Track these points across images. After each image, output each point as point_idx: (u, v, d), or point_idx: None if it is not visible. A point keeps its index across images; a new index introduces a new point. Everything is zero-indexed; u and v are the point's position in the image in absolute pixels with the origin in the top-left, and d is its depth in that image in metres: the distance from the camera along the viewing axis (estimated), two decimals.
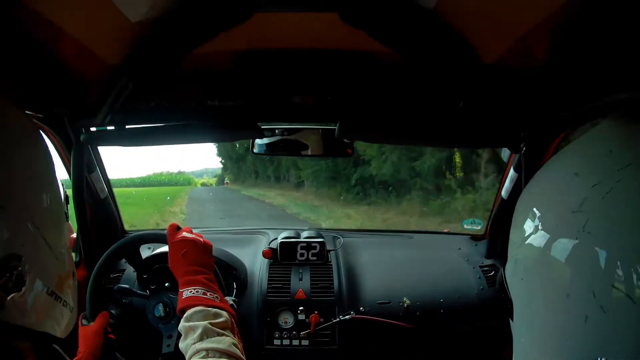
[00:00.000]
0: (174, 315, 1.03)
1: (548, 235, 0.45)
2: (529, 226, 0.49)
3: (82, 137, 0.91)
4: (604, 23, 0.48)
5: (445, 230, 1.68)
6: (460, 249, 1.39)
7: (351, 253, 1.37)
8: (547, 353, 0.46)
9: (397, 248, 1.44)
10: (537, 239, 0.47)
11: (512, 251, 0.53)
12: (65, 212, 0.56)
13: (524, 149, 0.86)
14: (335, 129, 0.85)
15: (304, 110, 0.85)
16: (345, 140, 1.03)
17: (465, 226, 1.53)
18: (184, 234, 0.82)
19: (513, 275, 0.53)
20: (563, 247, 0.43)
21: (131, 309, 1.05)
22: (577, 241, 0.41)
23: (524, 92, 0.70)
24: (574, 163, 0.48)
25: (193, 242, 0.80)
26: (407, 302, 1.19)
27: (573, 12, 0.48)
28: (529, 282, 0.49)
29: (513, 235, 0.53)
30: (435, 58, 0.66)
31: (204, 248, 0.81)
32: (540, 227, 0.47)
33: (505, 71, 0.65)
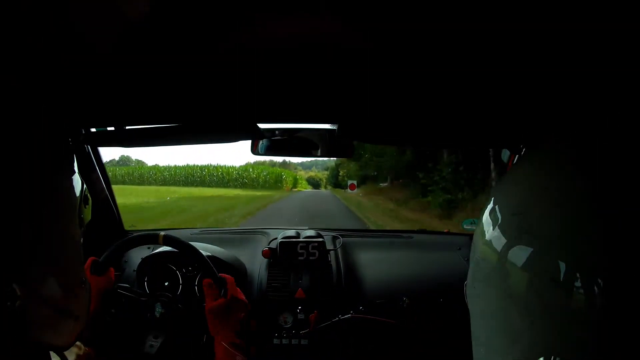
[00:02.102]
0: (172, 315, 1.03)
1: (495, 236, 0.47)
2: (485, 228, 0.50)
3: (81, 138, 0.91)
4: (605, 25, 0.48)
5: (445, 231, 1.68)
6: (460, 249, 1.39)
7: (351, 253, 1.37)
8: (499, 350, 0.47)
9: (397, 248, 1.44)
10: (486, 241, 0.48)
11: (472, 255, 0.55)
12: (81, 217, 0.52)
13: (524, 149, 0.86)
14: (335, 129, 0.85)
15: (303, 111, 0.85)
16: (345, 141, 1.03)
17: (465, 226, 1.53)
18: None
19: (472, 279, 0.55)
20: (504, 247, 0.45)
21: (130, 308, 1.06)
22: (515, 240, 0.43)
23: (524, 92, 0.70)
24: (520, 169, 0.53)
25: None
26: (407, 301, 1.19)
27: (574, 12, 0.48)
28: (480, 284, 0.51)
29: (474, 239, 0.54)
30: (437, 58, 0.66)
31: None
32: (490, 230, 0.49)
33: (506, 71, 0.65)
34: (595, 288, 0.36)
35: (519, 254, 0.42)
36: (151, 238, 1.04)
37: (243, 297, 0.96)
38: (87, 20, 0.57)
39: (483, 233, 0.49)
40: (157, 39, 0.64)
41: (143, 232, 1.08)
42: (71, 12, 0.54)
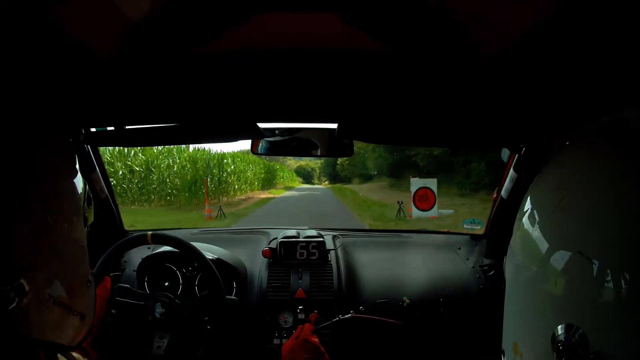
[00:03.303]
0: (172, 315, 1.03)
1: (533, 215, 0.50)
2: (524, 213, 0.53)
3: (81, 138, 0.91)
4: (606, 25, 0.48)
5: (445, 230, 1.68)
6: (460, 248, 1.39)
7: (351, 253, 1.37)
8: (528, 324, 0.49)
9: (397, 248, 1.44)
10: (525, 222, 0.51)
11: (510, 260, 0.56)
12: (84, 215, 0.53)
13: (524, 149, 0.86)
14: (334, 128, 0.85)
15: (303, 110, 0.85)
16: (345, 140, 1.03)
17: (465, 226, 1.53)
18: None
19: (509, 261, 0.56)
20: (542, 221, 0.48)
21: (130, 309, 1.06)
22: (553, 215, 0.46)
23: (524, 92, 0.70)
24: (560, 160, 0.54)
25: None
26: (407, 301, 1.19)
27: (575, 12, 0.48)
28: (518, 263, 0.52)
29: (512, 243, 0.56)
30: (437, 58, 0.66)
31: None
32: (529, 211, 0.51)
33: (505, 71, 0.65)
34: (625, 279, 0.37)
35: (559, 257, 0.44)
36: (140, 239, 1.04)
37: (315, 339, 0.94)
38: (87, 21, 0.57)
39: (524, 234, 0.51)
40: (156, 39, 0.64)
41: (134, 235, 1.07)
42: (71, 14, 0.54)
